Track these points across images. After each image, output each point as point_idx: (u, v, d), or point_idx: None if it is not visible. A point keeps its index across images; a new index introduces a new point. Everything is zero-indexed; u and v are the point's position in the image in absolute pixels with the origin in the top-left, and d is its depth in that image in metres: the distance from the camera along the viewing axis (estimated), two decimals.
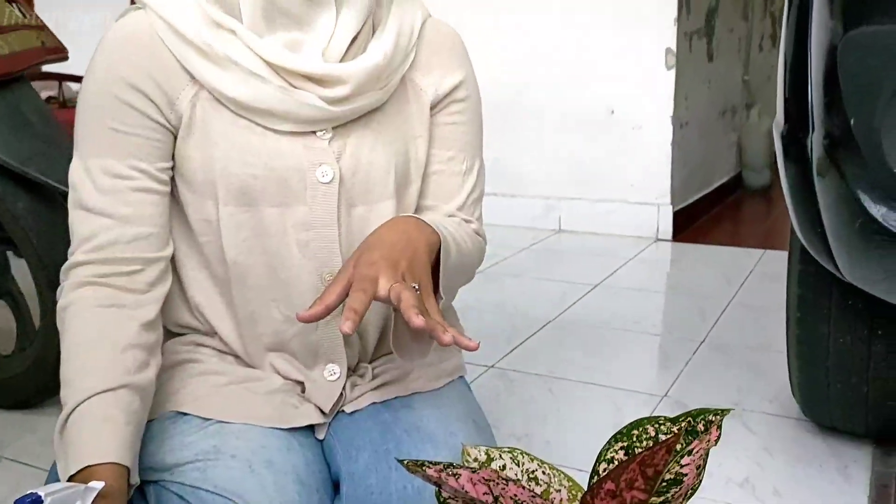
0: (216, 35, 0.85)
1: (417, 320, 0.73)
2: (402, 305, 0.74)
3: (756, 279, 2.51)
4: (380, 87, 0.91)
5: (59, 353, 0.84)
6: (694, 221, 3.27)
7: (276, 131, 0.88)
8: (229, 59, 0.85)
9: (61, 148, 1.38)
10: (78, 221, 0.88)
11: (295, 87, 0.86)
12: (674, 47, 2.89)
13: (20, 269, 1.59)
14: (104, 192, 0.86)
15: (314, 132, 0.90)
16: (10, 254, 1.62)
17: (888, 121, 0.91)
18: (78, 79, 2.98)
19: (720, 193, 3.66)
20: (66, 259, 0.89)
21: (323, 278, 0.91)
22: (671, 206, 3.02)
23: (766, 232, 3.21)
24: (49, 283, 1.44)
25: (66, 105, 3.27)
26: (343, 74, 0.87)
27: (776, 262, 2.58)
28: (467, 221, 1.00)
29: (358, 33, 0.90)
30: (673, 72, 2.91)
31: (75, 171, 0.88)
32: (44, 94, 3.16)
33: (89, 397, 0.78)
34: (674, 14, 2.86)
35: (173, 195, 0.92)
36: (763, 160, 3.90)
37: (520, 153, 3.16)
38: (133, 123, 0.86)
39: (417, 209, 0.99)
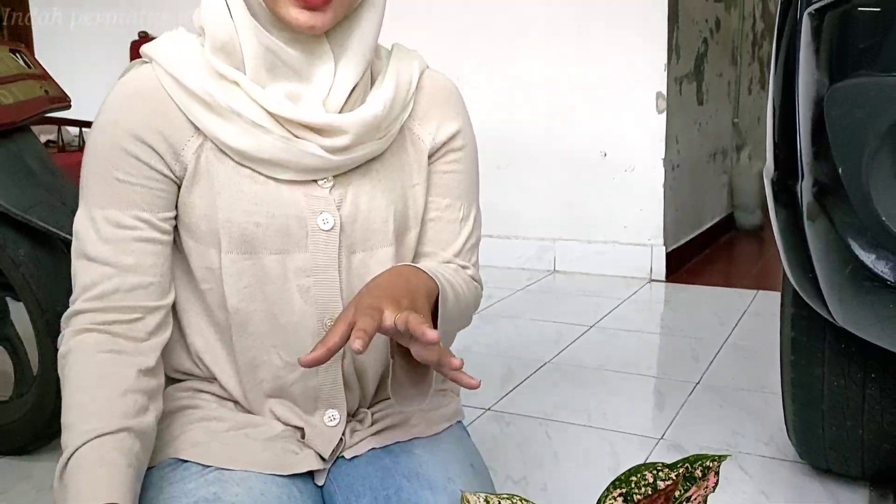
0: (219, 87, 0.88)
1: (431, 334, 0.74)
2: (412, 324, 0.75)
3: (749, 320, 2.53)
4: (379, 137, 0.93)
5: (57, 399, 0.84)
6: (687, 262, 3.29)
7: (277, 180, 0.90)
8: (232, 110, 0.87)
9: (63, 196, 1.40)
10: (81, 270, 0.89)
11: (297, 137, 0.88)
12: (664, 91, 2.94)
13: (18, 315, 1.60)
14: (107, 242, 0.88)
15: (315, 180, 0.92)
16: (8, 299, 1.62)
17: (875, 170, 0.93)
18: (76, 123, 3.00)
19: (712, 234, 3.70)
20: (66, 306, 0.89)
21: (324, 323, 0.92)
22: (664, 247, 3.04)
23: (759, 272, 3.24)
24: (48, 330, 1.44)
25: (66, 149, 3.30)
26: (343, 124, 0.89)
27: (769, 303, 2.61)
28: (464, 268, 1.02)
29: (357, 84, 0.92)
30: (664, 115, 2.96)
31: (80, 221, 0.90)
32: (43, 139, 3.18)
33: (89, 440, 0.79)
34: (664, 60, 2.91)
35: (176, 243, 0.93)
36: (754, 201, 3.94)
37: (514, 195, 3.19)
38: (137, 175, 0.88)
39: (415, 255, 1.01)
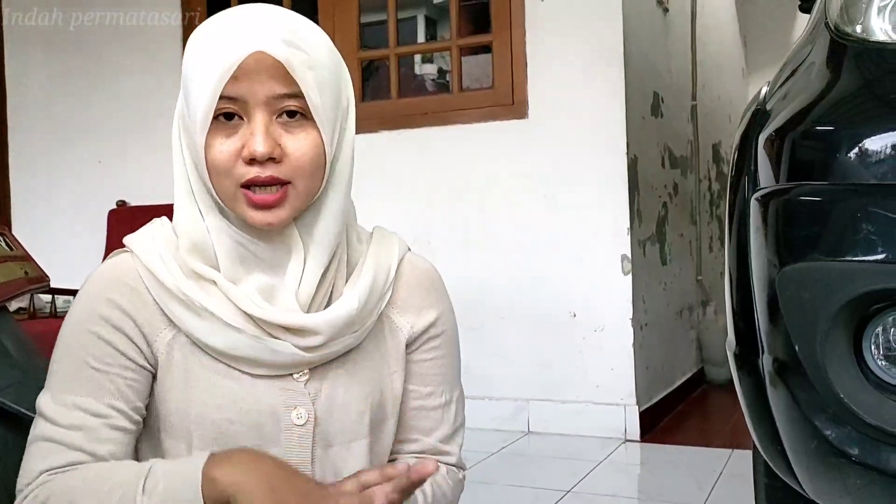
0: (196, 286, 0.90)
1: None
2: None
3: (725, 482, 2.50)
4: (353, 331, 0.94)
5: None
6: (660, 420, 3.29)
7: (252, 375, 0.91)
8: (206, 310, 0.89)
9: (38, 377, 1.39)
10: (46, 452, 0.88)
11: (270, 335, 0.90)
12: (629, 254, 3.04)
13: None
14: (75, 429, 0.88)
15: (291, 374, 0.93)
16: None
17: (829, 351, 0.97)
18: (48, 290, 3.01)
19: (684, 389, 3.71)
20: None
21: None
22: (637, 407, 3.05)
23: (732, 429, 3.23)
24: None
25: (36, 315, 3.29)
26: (316, 326, 0.90)
27: (743, 463, 2.58)
28: (447, 453, 1.02)
29: (328, 269, 0.93)
30: (630, 276, 3.04)
31: (47, 405, 0.90)
32: (14, 306, 3.18)
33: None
34: (627, 224, 3.03)
35: (151, 432, 0.93)
36: (723, 355, 3.98)
37: (486, 356, 3.21)
38: (111, 362, 0.90)
39: (400, 443, 1.01)
